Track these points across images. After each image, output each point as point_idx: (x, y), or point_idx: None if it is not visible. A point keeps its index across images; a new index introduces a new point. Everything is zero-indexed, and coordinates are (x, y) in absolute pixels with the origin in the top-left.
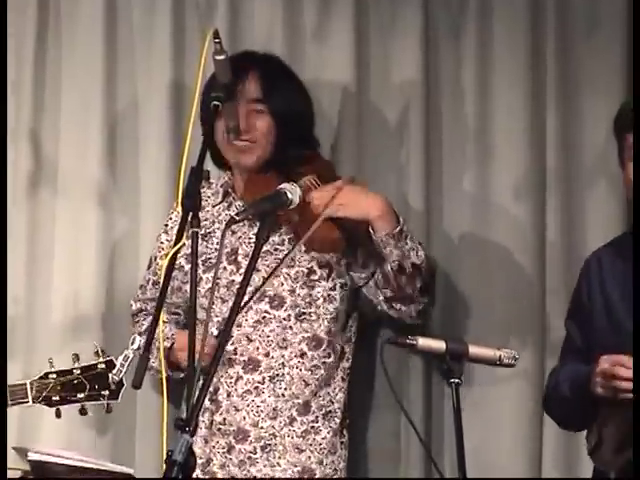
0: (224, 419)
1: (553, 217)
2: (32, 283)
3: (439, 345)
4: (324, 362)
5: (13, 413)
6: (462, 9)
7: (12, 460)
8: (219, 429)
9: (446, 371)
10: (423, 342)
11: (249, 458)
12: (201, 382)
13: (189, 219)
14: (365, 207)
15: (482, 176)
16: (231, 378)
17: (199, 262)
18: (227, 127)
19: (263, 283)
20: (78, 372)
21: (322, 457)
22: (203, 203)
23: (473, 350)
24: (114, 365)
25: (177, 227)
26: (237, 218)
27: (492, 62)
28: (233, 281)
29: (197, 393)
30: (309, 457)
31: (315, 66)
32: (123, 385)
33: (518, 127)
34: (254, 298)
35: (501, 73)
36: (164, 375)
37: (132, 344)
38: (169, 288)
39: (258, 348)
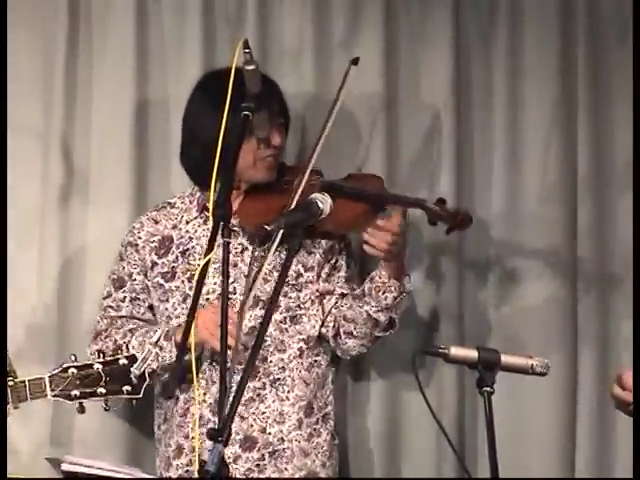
0: (209, 428)
1: (584, 224)
2: (64, 291)
3: (471, 354)
4: (316, 360)
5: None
6: (492, 17)
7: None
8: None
9: (478, 380)
10: (455, 351)
11: (257, 465)
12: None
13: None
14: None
15: (513, 184)
16: (231, 387)
17: (184, 279)
18: (256, 138)
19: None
20: (98, 366)
21: (324, 460)
22: (172, 222)
23: (505, 359)
24: (136, 360)
25: (208, 238)
26: (268, 228)
27: (522, 69)
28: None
29: (229, 403)
30: (314, 460)
31: (343, 75)
32: (145, 380)
33: (549, 134)
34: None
35: (531, 81)
36: (196, 385)
37: (151, 338)
38: (143, 307)
39: (258, 355)
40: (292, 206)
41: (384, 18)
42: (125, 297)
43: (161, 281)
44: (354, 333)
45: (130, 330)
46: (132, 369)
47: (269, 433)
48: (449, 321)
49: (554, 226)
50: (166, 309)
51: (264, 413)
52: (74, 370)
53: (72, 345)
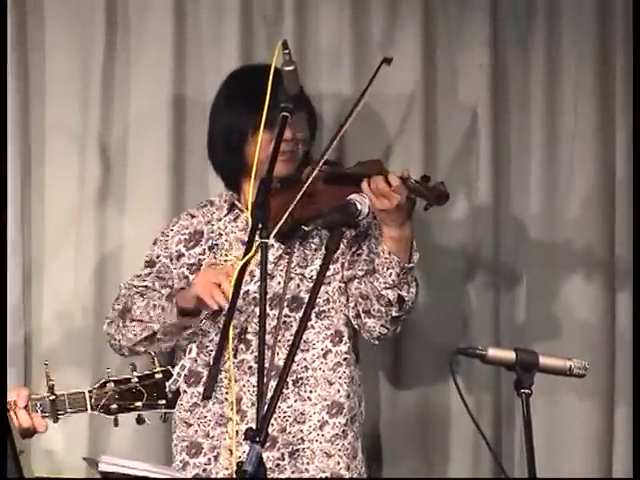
0: (248, 429)
1: (623, 227)
2: (100, 292)
3: (509, 355)
4: (345, 358)
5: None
6: (530, 20)
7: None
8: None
9: (516, 382)
10: (493, 353)
11: (277, 465)
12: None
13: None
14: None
15: (550, 186)
16: (253, 387)
17: None
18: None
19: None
20: (136, 381)
21: (349, 462)
22: (207, 218)
23: (543, 360)
24: (171, 374)
25: (235, 235)
26: (306, 229)
27: (560, 72)
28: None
29: (267, 404)
30: (338, 462)
31: (382, 76)
32: (180, 394)
33: (587, 137)
34: (273, 304)
35: (569, 83)
36: (234, 389)
37: (189, 353)
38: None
39: (278, 354)
40: (297, 199)
41: (422, 19)
42: (150, 273)
43: (186, 272)
44: (371, 311)
45: (141, 294)
46: (167, 384)
47: (289, 432)
48: (485, 322)
49: (591, 228)
50: None
51: (285, 412)
52: (112, 385)
53: (108, 347)
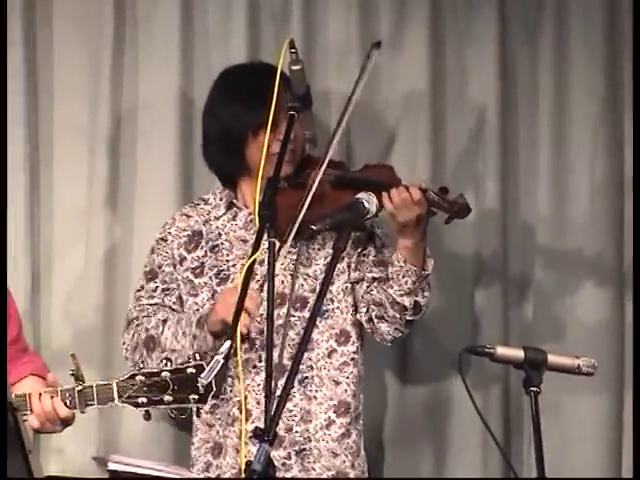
0: (256, 427)
1: (631, 223)
2: (110, 291)
3: (518, 354)
4: (353, 358)
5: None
6: (538, 16)
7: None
8: (251, 437)
9: (525, 380)
10: (502, 351)
11: (283, 464)
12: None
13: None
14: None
15: (559, 183)
16: (258, 385)
17: (212, 275)
18: (303, 136)
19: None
20: (166, 374)
21: (353, 460)
22: (204, 217)
23: (552, 359)
24: (203, 369)
25: (236, 234)
26: (315, 228)
27: (568, 68)
28: None
29: (275, 403)
30: (343, 461)
31: (390, 75)
32: (212, 389)
33: (595, 133)
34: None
35: (577, 79)
36: (243, 389)
37: (221, 348)
38: (174, 296)
39: (283, 353)
40: (306, 202)
41: (430, 17)
42: (157, 287)
43: (190, 276)
44: (385, 317)
45: (163, 321)
46: (199, 378)
47: (295, 432)
48: (494, 324)
49: (600, 229)
50: (195, 303)
51: (291, 412)
52: (142, 377)
53: (118, 345)
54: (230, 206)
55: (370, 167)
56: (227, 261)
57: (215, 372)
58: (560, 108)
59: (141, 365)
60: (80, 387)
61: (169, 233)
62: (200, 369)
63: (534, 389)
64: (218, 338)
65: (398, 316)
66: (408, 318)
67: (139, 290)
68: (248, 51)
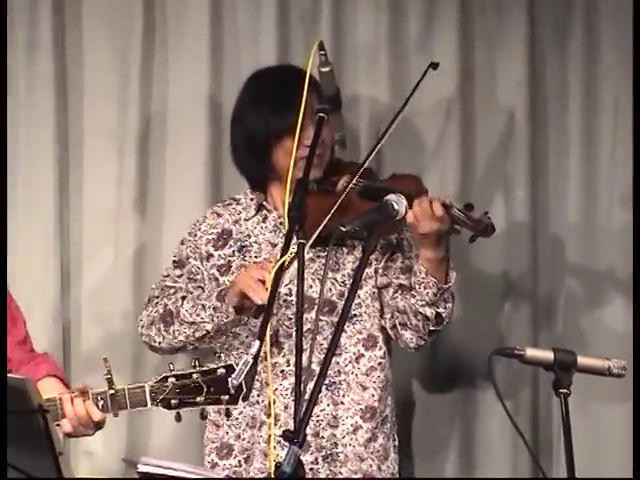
0: (285, 430)
1: None
2: (139, 292)
3: (547, 355)
4: (380, 363)
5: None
6: (567, 18)
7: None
8: (279, 442)
9: (554, 382)
10: (531, 353)
11: (311, 469)
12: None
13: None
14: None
15: (588, 185)
16: (286, 390)
17: (237, 274)
18: (332, 139)
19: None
20: (197, 376)
21: (380, 463)
22: (235, 217)
23: (582, 360)
24: (234, 370)
25: (264, 236)
26: (343, 229)
27: (598, 71)
28: None
29: (304, 405)
30: (370, 465)
31: (419, 76)
32: (243, 390)
33: (625, 136)
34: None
35: (607, 82)
36: (271, 392)
37: (251, 349)
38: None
39: (312, 357)
40: (333, 211)
41: (459, 19)
42: (182, 275)
43: (216, 274)
44: (408, 325)
45: (182, 297)
46: (230, 379)
47: (322, 437)
48: (523, 334)
49: (629, 227)
50: None
51: (318, 416)
52: (173, 379)
53: (146, 349)
54: (260, 208)
55: (397, 177)
56: (254, 263)
57: (245, 372)
58: (589, 109)
59: (156, 340)
60: (112, 390)
61: (199, 229)
62: (230, 370)
63: (564, 391)
64: (238, 312)
65: (420, 325)
66: (430, 328)
67: (165, 275)
68: (277, 51)
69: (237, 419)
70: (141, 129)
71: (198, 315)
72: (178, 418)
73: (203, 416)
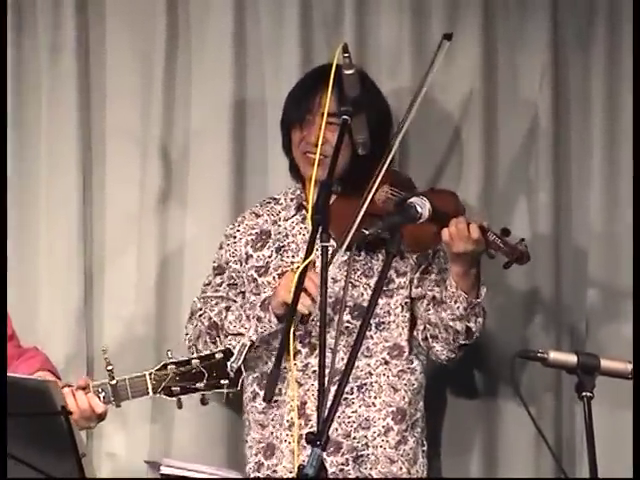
0: (308, 432)
1: None
2: (162, 295)
3: (570, 359)
4: (409, 367)
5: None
6: (590, 20)
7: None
8: (299, 442)
9: (577, 385)
10: (554, 356)
11: (341, 470)
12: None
13: (319, 233)
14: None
15: (610, 188)
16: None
17: (276, 275)
18: (355, 141)
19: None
20: (196, 361)
21: (409, 467)
22: (273, 217)
23: (605, 363)
24: (232, 353)
25: (308, 241)
26: (367, 232)
27: (621, 72)
28: None
29: (328, 407)
30: (400, 468)
31: (442, 80)
32: (242, 374)
33: None
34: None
35: (630, 83)
36: (295, 394)
37: (248, 332)
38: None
39: (342, 359)
40: (359, 217)
41: (482, 20)
42: (222, 282)
43: (255, 275)
44: (439, 338)
45: (226, 308)
46: (229, 363)
47: (353, 438)
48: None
49: None
50: (253, 302)
51: (349, 418)
52: (173, 367)
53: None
54: (300, 208)
55: (435, 192)
56: (292, 263)
57: (243, 356)
58: (612, 111)
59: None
60: (114, 381)
61: (238, 230)
62: (228, 354)
63: (587, 394)
64: (281, 321)
65: (451, 339)
66: (461, 342)
67: (206, 284)
68: (300, 54)
69: (272, 420)
70: (164, 130)
71: (242, 326)
72: (179, 405)
73: (204, 402)
